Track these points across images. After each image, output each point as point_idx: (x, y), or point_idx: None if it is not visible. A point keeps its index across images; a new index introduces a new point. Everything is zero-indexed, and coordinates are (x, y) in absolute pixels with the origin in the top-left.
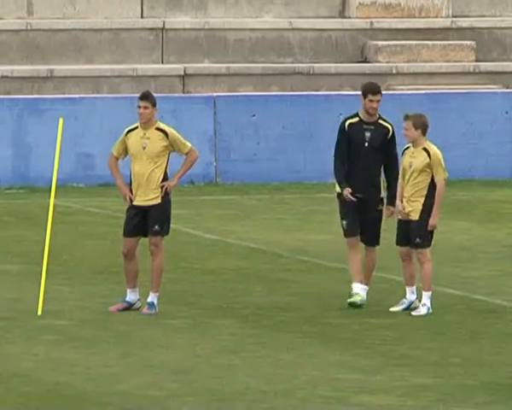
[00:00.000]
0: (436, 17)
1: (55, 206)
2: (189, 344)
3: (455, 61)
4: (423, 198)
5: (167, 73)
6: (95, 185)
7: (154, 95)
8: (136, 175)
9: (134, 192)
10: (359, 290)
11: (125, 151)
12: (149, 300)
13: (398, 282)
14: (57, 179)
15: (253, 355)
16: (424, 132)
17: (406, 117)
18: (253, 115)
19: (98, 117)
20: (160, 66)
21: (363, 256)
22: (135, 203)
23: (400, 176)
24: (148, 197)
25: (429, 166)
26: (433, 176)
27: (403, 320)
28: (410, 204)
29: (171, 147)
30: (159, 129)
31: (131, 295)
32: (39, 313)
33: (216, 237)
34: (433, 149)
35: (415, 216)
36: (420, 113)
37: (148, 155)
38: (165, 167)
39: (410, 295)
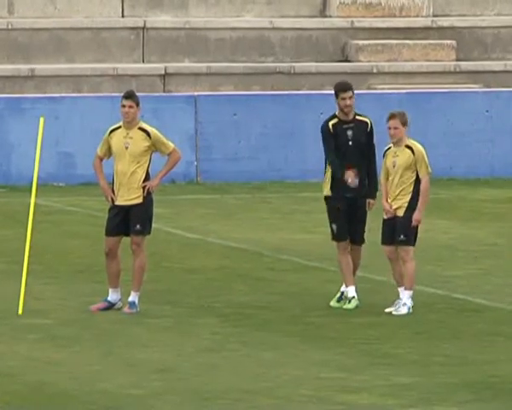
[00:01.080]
0: (417, 16)
1: (36, 205)
2: (172, 343)
3: (436, 61)
4: (409, 195)
5: (148, 72)
6: (76, 184)
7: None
8: (118, 174)
9: (116, 191)
10: (355, 294)
11: (110, 151)
12: (131, 299)
13: (379, 281)
14: (38, 178)
15: (236, 354)
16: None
17: (393, 115)
18: (235, 114)
19: (79, 116)
20: (141, 65)
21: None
22: (117, 203)
23: (383, 177)
24: (130, 197)
25: (413, 163)
26: (417, 173)
27: (385, 320)
28: (397, 202)
29: (154, 147)
30: (141, 129)
31: (113, 295)
32: (20, 312)
33: (197, 236)
34: (417, 145)
35: (399, 213)
36: (400, 109)
37: (131, 154)
38: (148, 167)
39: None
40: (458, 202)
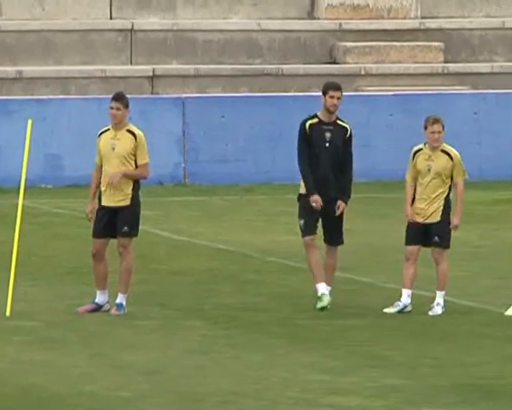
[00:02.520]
0: (404, 18)
1: (23, 207)
2: (159, 345)
3: (423, 63)
4: (444, 199)
5: (136, 74)
6: (63, 186)
7: None
8: (105, 176)
9: (103, 192)
10: (325, 291)
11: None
12: (118, 301)
13: (366, 283)
14: (26, 180)
15: (223, 356)
16: None
17: (436, 120)
18: (222, 116)
19: (67, 118)
20: (129, 67)
21: (325, 257)
22: (104, 204)
23: (410, 179)
24: (117, 198)
25: (451, 168)
26: (452, 177)
27: (373, 322)
28: (432, 206)
29: (135, 149)
30: (129, 131)
31: (101, 297)
32: (8, 314)
33: (185, 238)
34: (453, 150)
35: (436, 217)
36: (436, 115)
37: (118, 156)
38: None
39: (406, 299)
40: None
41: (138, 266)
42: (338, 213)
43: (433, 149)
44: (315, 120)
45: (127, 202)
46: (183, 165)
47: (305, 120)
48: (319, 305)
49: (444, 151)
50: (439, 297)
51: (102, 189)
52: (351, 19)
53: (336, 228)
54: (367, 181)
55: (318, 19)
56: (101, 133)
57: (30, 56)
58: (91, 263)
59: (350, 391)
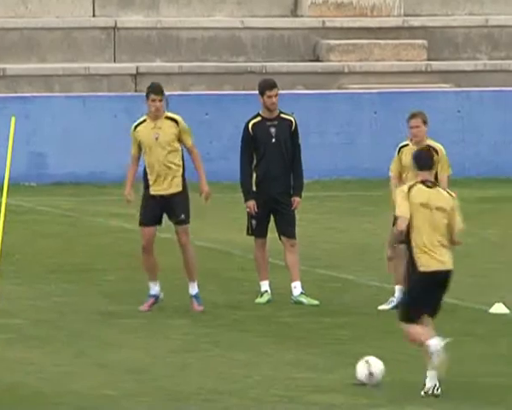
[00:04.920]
0: (388, 16)
1: (7, 205)
2: (144, 344)
3: (407, 60)
4: None
5: (120, 71)
6: (47, 184)
7: (107, 94)
8: (153, 166)
9: (152, 183)
10: (268, 288)
11: (140, 147)
12: (195, 292)
13: (350, 281)
14: (9, 178)
15: (207, 355)
16: None
17: (414, 115)
18: (206, 114)
19: (50, 116)
20: (113, 64)
21: (286, 255)
22: (155, 193)
23: (394, 174)
24: (169, 187)
25: (436, 163)
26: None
27: (357, 319)
28: None
29: (179, 134)
30: (168, 118)
31: (155, 288)
32: None
33: (167, 235)
34: (438, 145)
35: None
36: (419, 110)
37: (161, 144)
38: (182, 155)
39: (400, 295)
40: None
41: (122, 264)
42: (295, 208)
43: (418, 144)
44: (258, 119)
45: (179, 189)
46: None
47: (249, 121)
48: (257, 300)
49: (429, 146)
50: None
51: (151, 179)
52: (334, 17)
53: (289, 221)
54: (350, 179)
55: (302, 16)
56: (136, 126)
57: (13, 54)
58: (141, 257)
59: (334, 389)
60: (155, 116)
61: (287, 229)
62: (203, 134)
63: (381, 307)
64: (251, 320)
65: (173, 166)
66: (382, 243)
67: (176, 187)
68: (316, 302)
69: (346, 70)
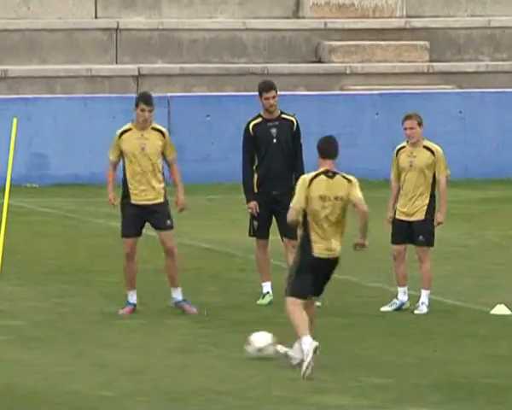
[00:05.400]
0: (390, 17)
1: (8, 206)
2: (143, 344)
3: (409, 62)
4: (428, 197)
5: (121, 73)
6: (48, 185)
7: (108, 95)
8: (134, 175)
9: (134, 192)
10: (269, 289)
11: (121, 154)
12: (180, 297)
13: (352, 282)
14: (11, 179)
15: (207, 355)
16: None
17: (409, 116)
18: (208, 116)
19: (52, 117)
20: (115, 66)
21: (286, 254)
22: (137, 202)
23: (394, 178)
24: (150, 196)
25: (433, 163)
26: (434, 174)
27: (358, 320)
28: (415, 204)
29: (164, 146)
30: (155, 129)
31: (134, 296)
32: None
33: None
34: (435, 146)
35: (420, 215)
36: (414, 111)
37: (147, 155)
38: (161, 166)
39: (402, 296)
40: None
41: (121, 266)
42: None
43: (414, 145)
44: (259, 120)
45: (161, 200)
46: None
47: (249, 122)
48: (259, 302)
49: (426, 147)
50: (424, 296)
51: (133, 187)
52: (336, 18)
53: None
54: None
55: (303, 18)
56: (121, 133)
57: (15, 56)
58: (123, 264)
59: (335, 390)
60: (142, 126)
61: (288, 230)
62: (204, 135)
63: (383, 309)
64: (251, 321)
65: (157, 176)
66: (383, 244)
67: (158, 196)
68: (318, 303)
69: (348, 71)
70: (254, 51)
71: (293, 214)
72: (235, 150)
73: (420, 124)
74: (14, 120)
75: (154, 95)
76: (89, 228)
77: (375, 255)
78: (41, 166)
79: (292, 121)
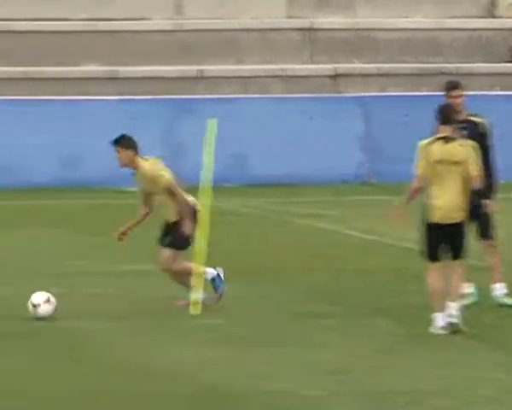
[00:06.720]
0: None
1: (210, 206)
2: (345, 344)
3: None
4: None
5: (317, 73)
6: (244, 185)
7: (305, 95)
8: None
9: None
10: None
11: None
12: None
13: None
14: (211, 180)
15: (407, 356)
16: None
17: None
18: (406, 115)
19: (247, 117)
20: (310, 66)
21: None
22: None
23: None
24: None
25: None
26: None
27: None
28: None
29: None
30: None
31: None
32: (194, 312)
33: (373, 237)
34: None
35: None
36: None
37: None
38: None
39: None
40: None
41: (320, 265)
42: (487, 210)
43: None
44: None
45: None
46: (366, 164)
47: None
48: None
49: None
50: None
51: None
52: None
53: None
54: None
55: (500, 17)
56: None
57: (211, 55)
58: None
59: None
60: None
61: (485, 230)
62: (401, 135)
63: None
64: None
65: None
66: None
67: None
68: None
69: None
70: (450, 51)
71: (416, 182)
72: None
73: None
74: (214, 121)
75: (349, 95)
76: (289, 228)
77: None
78: (238, 166)
79: (479, 123)
